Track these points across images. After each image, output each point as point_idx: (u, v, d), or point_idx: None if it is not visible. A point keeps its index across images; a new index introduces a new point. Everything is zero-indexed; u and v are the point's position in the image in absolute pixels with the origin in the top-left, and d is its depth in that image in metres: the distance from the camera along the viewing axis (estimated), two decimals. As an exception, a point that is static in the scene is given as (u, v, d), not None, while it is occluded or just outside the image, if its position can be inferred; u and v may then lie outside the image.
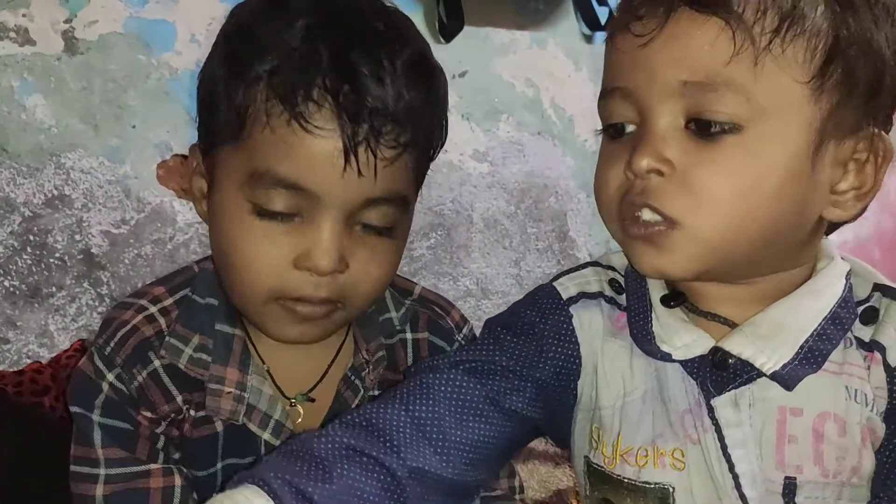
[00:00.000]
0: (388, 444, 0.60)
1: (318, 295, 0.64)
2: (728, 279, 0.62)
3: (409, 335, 0.76)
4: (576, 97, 1.67)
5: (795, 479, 0.61)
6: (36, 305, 1.15)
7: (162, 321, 0.68)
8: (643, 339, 0.64)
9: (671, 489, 0.63)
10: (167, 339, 0.67)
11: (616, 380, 0.66)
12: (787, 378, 0.60)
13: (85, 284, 1.18)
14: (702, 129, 0.56)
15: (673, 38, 0.56)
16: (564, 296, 0.68)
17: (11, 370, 0.97)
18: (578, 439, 0.69)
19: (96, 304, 1.20)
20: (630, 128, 0.60)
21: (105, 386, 0.67)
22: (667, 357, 0.62)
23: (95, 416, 0.66)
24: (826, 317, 0.61)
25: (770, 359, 0.60)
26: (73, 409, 0.67)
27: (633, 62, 0.59)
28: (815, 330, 0.61)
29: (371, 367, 0.73)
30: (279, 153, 0.62)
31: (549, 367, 0.67)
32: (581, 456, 0.68)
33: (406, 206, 0.66)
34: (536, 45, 1.62)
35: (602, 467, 0.66)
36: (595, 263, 0.70)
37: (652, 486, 0.63)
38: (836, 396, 0.60)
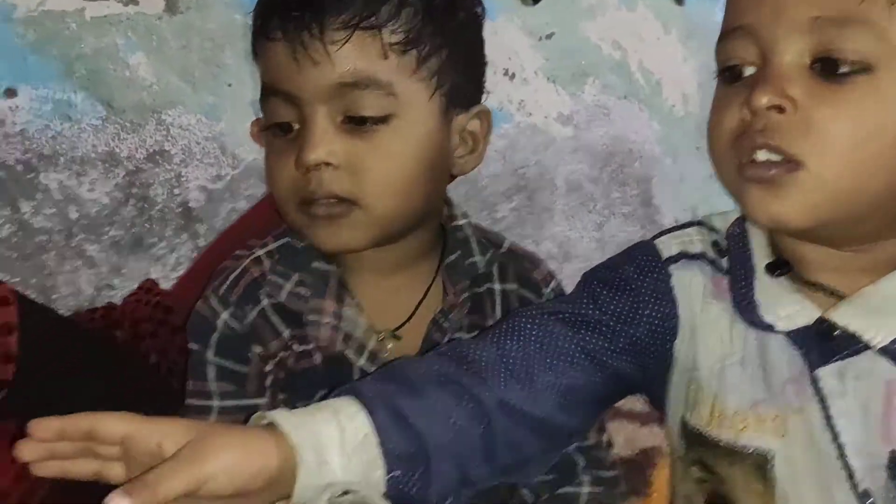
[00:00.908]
0: (477, 376, 0.62)
1: (324, 191, 0.68)
2: (841, 242, 0.60)
3: (497, 286, 0.78)
4: (664, 61, 1.64)
5: (902, 453, 0.59)
6: (138, 255, 1.21)
7: (267, 263, 0.74)
8: (745, 307, 0.63)
9: (770, 455, 0.62)
10: (268, 277, 0.73)
11: (715, 343, 0.65)
12: None
13: (183, 236, 1.23)
14: (829, 68, 0.54)
15: None
16: (664, 255, 0.68)
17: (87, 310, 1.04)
18: (674, 400, 0.69)
19: (193, 255, 1.25)
20: (749, 70, 0.59)
21: (220, 324, 0.73)
22: (769, 328, 0.61)
23: (210, 354, 0.73)
24: None
25: (879, 333, 0.58)
26: (191, 345, 0.74)
27: None
28: None
29: (458, 310, 0.76)
30: (264, 68, 0.72)
31: (644, 326, 0.67)
32: (677, 417, 0.68)
33: (393, 93, 0.68)
34: (625, 7, 1.59)
35: (699, 429, 0.65)
36: (699, 223, 0.69)
37: (750, 450, 0.62)
38: None
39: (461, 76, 0.73)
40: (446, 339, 0.75)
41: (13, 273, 1.10)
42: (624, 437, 0.97)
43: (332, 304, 0.74)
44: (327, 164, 0.68)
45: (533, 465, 0.66)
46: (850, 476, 0.59)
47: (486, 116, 0.76)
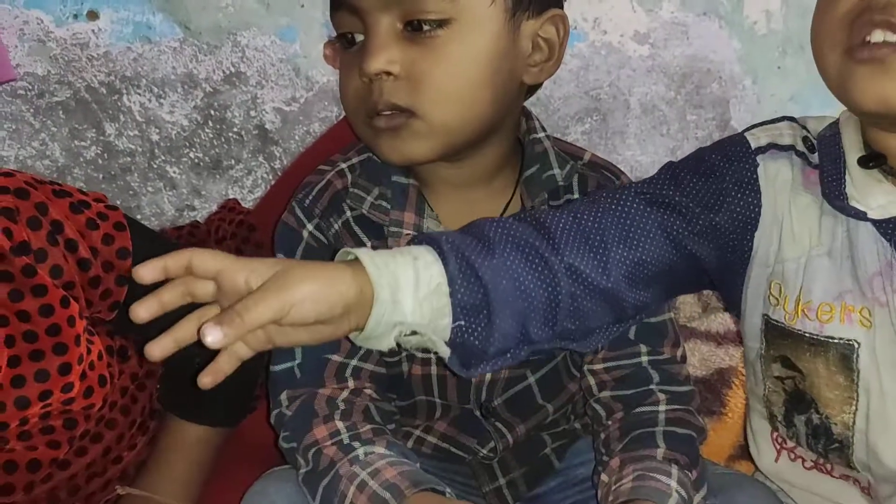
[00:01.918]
0: (549, 240, 0.63)
1: (384, 102, 0.69)
2: None
3: (577, 197, 0.78)
4: (746, -25, 1.57)
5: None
6: (217, 176, 1.24)
7: (349, 176, 0.76)
8: (836, 197, 0.62)
9: (856, 344, 0.62)
10: (351, 189, 0.74)
11: (803, 233, 0.65)
12: None
13: (260, 158, 1.26)
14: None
15: None
16: (753, 145, 0.67)
17: (173, 227, 1.08)
18: (752, 296, 0.69)
19: (269, 177, 1.27)
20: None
21: (305, 234, 0.75)
22: (861, 215, 0.60)
23: None
24: None
25: None
26: (278, 255, 0.75)
27: None
28: None
29: None
30: None
31: (726, 213, 0.67)
32: (756, 313, 0.68)
33: None
34: (707, -82, 1.51)
35: (782, 323, 0.66)
36: (791, 118, 0.69)
37: (836, 340, 0.63)
38: None
39: None
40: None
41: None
42: (699, 357, 0.97)
43: (413, 216, 0.75)
44: (388, 73, 0.68)
45: (595, 335, 0.68)
46: None
47: (561, 21, 0.73)
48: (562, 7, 0.76)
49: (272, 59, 1.24)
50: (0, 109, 1.12)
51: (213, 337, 0.50)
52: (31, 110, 1.14)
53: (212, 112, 1.21)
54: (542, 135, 0.79)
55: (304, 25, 1.26)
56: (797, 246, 0.65)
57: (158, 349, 0.55)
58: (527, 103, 0.86)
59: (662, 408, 0.77)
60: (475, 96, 0.70)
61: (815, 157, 0.66)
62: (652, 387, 0.78)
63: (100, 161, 1.18)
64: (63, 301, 0.70)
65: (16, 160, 1.14)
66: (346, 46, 0.71)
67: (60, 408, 0.71)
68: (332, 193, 0.76)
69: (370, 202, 0.75)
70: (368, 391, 0.74)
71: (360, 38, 0.70)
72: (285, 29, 1.24)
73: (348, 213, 0.75)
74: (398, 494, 0.64)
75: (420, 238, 0.62)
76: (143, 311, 0.55)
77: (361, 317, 0.56)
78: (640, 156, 1.59)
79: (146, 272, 0.55)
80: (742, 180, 0.67)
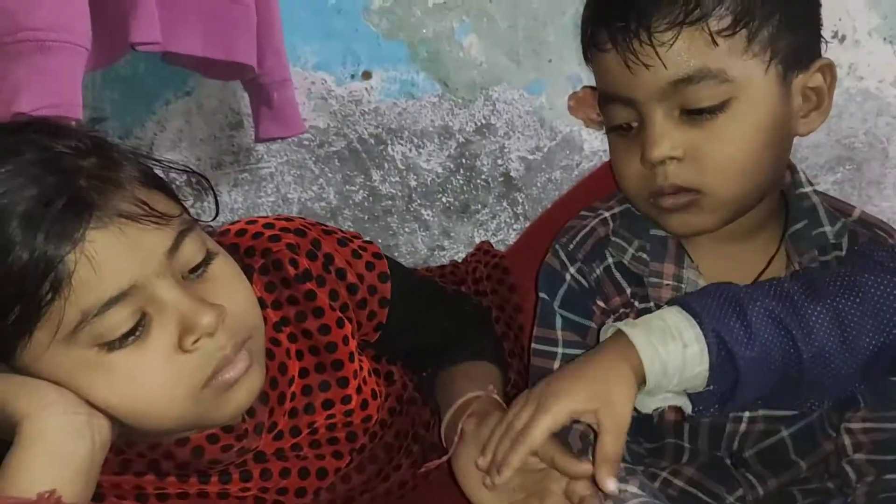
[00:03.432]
0: (802, 324, 0.63)
1: (670, 184, 0.70)
2: None
3: (846, 253, 0.76)
4: None
5: None
6: (465, 220, 1.33)
7: (611, 224, 0.79)
8: None
9: None
10: (612, 238, 0.78)
11: None
12: None
13: (504, 204, 1.34)
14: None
15: None
16: None
17: (437, 266, 1.17)
18: None
19: (512, 221, 1.35)
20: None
21: (568, 276, 0.80)
22: None
23: (556, 304, 0.80)
24: None
25: None
26: (541, 295, 0.81)
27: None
28: None
29: None
30: (598, 74, 0.75)
31: None
32: None
33: (727, 79, 0.66)
34: (982, -45, 1.40)
35: None
36: None
37: None
38: None
39: (796, 37, 0.70)
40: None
41: (364, 233, 1.27)
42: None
43: (672, 267, 0.77)
44: (671, 157, 0.69)
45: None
46: None
47: (829, 69, 0.73)
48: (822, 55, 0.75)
49: (520, 111, 1.32)
50: (289, 157, 1.30)
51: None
52: (313, 158, 1.30)
53: (463, 161, 1.31)
54: (809, 189, 0.78)
55: (551, 79, 1.33)
56: None
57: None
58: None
59: None
60: (759, 166, 0.71)
61: None
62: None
63: (366, 204, 1.32)
64: (339, 322, 0.80)
65: (298, 202, 1.31)
66: (622, 132, 0.74)
67: (343, 419, 0.80)
68: (595, 240, 0.80)
69: (631, 253, 0.78)
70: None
71: (635, 124, 0.72)
72: (533, 82, 1.32)
73: (610, 260, 0.79)
74: None
75: (675, 300, 0.66)
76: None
77: None
78: (900, 207, 1.48)
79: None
80: None
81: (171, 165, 0.73)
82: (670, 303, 0.68)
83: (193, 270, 0.66)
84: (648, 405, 0.65)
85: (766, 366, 0.64)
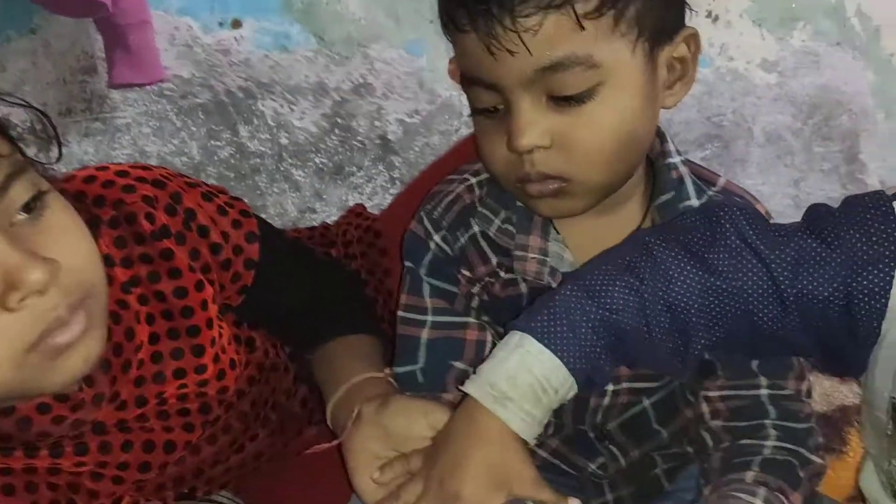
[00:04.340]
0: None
1: (537, 172, 0.67)
2: None
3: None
4: (885, 5, 1.51)
5: None
6: (339, 182, 1.29)
7: (478, 192, 0.76)
8: None
9: None
10: (478, 208, 0.75)
11: None
12: None
13: (380, 167, 1.30)
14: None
15: None
16: None
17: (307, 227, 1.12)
18: (880, 377, 0.65)
19: (388, 185, 1.31)
20: None
21: (433, 245, 0.77)
22: None
23: (423, 272, 0.76)
24: None
25: None
26: (406, 263, 0.78)
27: None
28: None
29: None
30: (459, 54, 0.70)
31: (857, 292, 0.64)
32: (884, 395, 0.65)
33: (594, 64, 0.65)
34: (846, -55, 1.47)
35: None
36: None
37: None
38: None
39: (661, 10, 0.69)
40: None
41: (230, 191, 1.21)
42: (820, 392, 0.93)
43: (538, 240, 0.75)
44: (538, 146, 0.67)
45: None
46: None
47: (693, 39, 0.71)
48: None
49: (398, 72, 1.28)
50: (147, 108, 1.20)
51: None
52: (175, 110, 1.21)
53: (338, 120, 1.26)
54: (678, 159, 0.77)
55: (432, 40, 1.29)
56: None
57: None
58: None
59: (769, 443, 0.74)
60: (628, 149, 0.68)
61: None
62: (766, 422, 0.75)
63: (232, 161, 1.25)
64: (198, 285, 0.74)
65: (157, 156, 1.22)
66: (487, 114, 0.70)
67: (196, 390, 0.75)
68: (460, 207, 0.76)
69: (497, 225, 0.76)
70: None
71: (500, 107, 0.68)
72: (412, 42, 1.28)
73: (475, 229, 0.76)
74: None
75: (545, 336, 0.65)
76: None
77: None
78: (762, 185, 1.54)
79: None
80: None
81: (6, 98, 0.64)
82: (515, 326, 0.66)
83: (25, 211, 0.58)
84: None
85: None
